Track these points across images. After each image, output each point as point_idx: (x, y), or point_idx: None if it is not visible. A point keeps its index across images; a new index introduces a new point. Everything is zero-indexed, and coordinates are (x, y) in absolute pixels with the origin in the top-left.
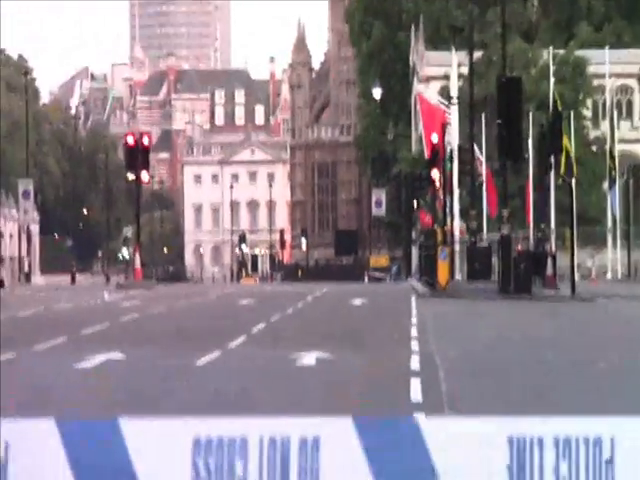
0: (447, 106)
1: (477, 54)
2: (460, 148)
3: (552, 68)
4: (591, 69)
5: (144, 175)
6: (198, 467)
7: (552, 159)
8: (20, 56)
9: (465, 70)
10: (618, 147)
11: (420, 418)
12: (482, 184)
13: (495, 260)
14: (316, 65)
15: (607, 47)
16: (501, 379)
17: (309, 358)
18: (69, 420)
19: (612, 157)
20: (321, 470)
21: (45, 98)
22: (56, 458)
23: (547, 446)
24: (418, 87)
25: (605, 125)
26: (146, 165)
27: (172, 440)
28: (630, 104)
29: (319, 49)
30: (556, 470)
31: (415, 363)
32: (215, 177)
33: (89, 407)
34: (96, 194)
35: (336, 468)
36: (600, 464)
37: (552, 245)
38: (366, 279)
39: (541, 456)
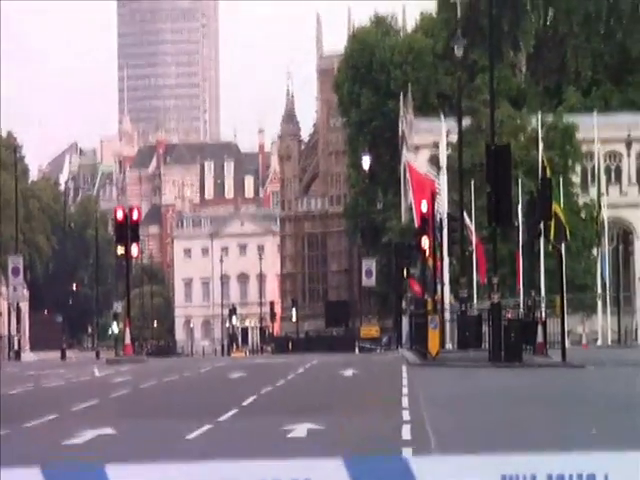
0: (436, 175)
1: (466, 121)
2: (450, 216)
3: (541, 134)
4: (580, 135)
5: (134, 249)
6: None
7: (542, 225)
8: (9, 133)
9: (454, 138)
10: (608, 213)
11: (411, 457)
12: (472, 252)
13: (485, 328)
14: (305, 136)
15: (595, 112)
16: (494, 444)
17: (300, 430)
18: (55, 469)
19: (600, 223)
20: None
21: (34, 175)
22: None
23: None
24: (407, 156)
25: (594, 191)
26: (136, 239)
27: None
28: (619, 170)
29: (308, 120)
30: None
31: (406, 433)
32: (205, 250)
33: None
34: (86, 269)
35: None
36: None
37: (542, 312)
38: (357, 350)
39: None
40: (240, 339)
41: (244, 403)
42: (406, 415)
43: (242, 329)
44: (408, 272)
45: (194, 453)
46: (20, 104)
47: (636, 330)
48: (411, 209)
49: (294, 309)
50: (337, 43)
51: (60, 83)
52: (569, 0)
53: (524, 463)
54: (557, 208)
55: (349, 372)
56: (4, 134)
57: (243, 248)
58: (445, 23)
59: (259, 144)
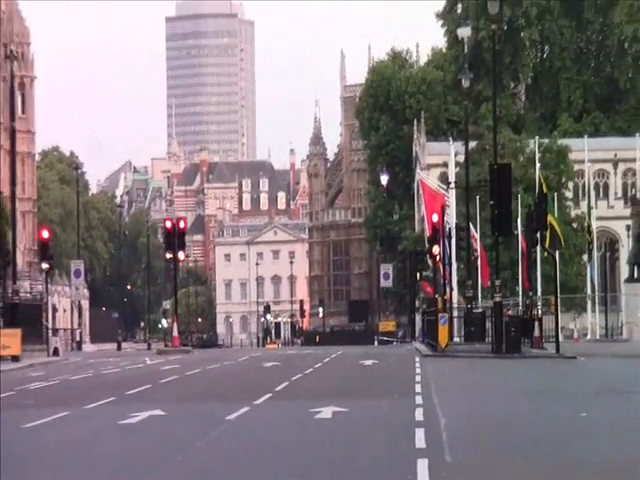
0: (446, 190)
1: (472, 144)
2: (458, 227)
3: (538, 155)
4: (572, 156)
5: (180, 254)
6: None
7: (538, 235)
8: (72, 152)
9: (461, 158)
10: (596, 224)
11: None
12: (477, 258)
13: (489, 324)
14: (331, 156)
15: (586, 136)
16: (496, 426)
17: (326, 412)
18: None
19: (590, 233)
20: None
21: (94, 189)
22: None
23: None
24: (420, 174)
25: (585, 205)
26: (182, 246)
27: None
28: (607, 186)
29: (333, 142)
30: None
31: (419, 414)
32: (243, 255)
33: (138, 455)
34: (138, 272)
35: None
36: None
37: (539, 310)
38: (376, 342)
39: None
40: (273, 333)
41: (277, 388)
42: (419, 399)
43: (275, 324)
44: (421, 275)
45: (234, 432)
46: (82, 127)
47: (621, 326)
48: (423, 220)
49: (321, 307)
50: (359, 75)
51: (117, 110)
52: (563, 37)
53: None
54: (552, 220)
55: (369, 362)
56: (67, 153)
57: (276, 253)
58: (454, 58)
59: (290, 163)
